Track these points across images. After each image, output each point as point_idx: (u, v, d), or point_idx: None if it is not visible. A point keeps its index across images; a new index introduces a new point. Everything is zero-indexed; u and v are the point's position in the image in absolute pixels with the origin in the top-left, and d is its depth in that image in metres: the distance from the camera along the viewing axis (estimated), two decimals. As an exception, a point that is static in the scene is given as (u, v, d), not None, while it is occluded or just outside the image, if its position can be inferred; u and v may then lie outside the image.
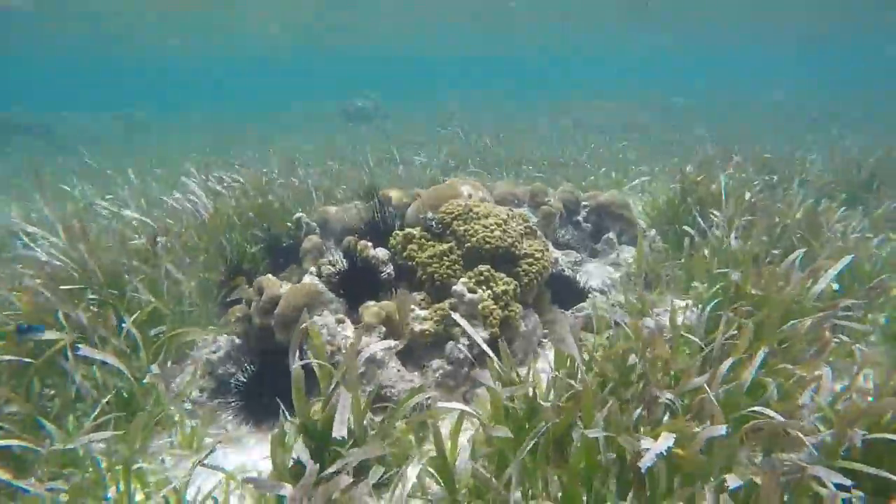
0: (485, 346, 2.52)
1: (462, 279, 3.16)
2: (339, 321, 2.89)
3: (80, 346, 2.46)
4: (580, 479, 1.98)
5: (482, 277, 3.25)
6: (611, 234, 4.99)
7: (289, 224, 4.50)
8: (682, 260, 4.48)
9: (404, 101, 21.53)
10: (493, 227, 3.45)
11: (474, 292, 3.13)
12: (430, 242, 3.47)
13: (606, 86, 21.23)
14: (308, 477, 1.83)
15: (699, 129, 12.83)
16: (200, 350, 3.17)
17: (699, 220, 4.77)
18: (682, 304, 3.74)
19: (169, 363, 3.13)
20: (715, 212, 4.86)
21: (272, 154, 9.35)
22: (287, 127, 17.22)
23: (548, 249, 3.66)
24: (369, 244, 3.36)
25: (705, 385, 2.20)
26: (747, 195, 5.17)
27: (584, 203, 5.22)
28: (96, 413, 2.52)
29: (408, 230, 3.53)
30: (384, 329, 2.92)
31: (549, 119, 15.88)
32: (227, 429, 2.87)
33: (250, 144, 14.28)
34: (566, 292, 4.01)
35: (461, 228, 3.44)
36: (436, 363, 3.00)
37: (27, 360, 2.66)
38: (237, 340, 3.27)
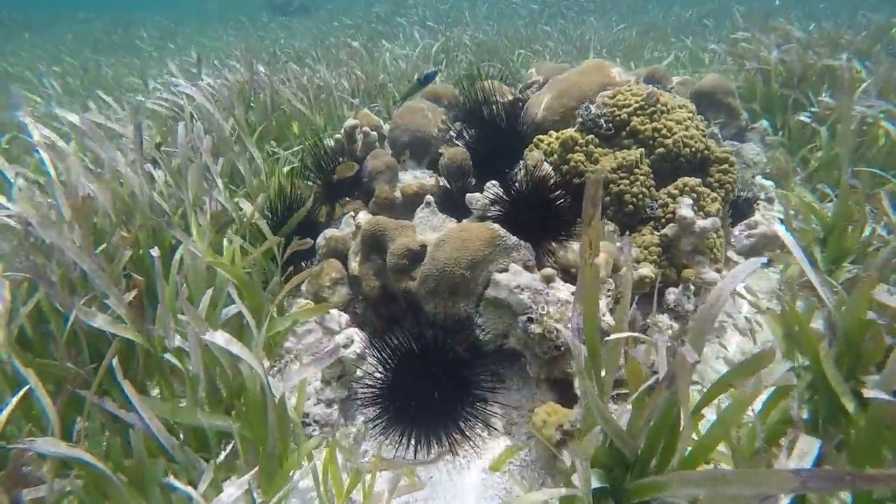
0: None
1: (686, 201, 2.20)
2: (548, 279, 1.88)
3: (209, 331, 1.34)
4: None
5: (694, 195, 2.32)
6: (714, 129, 4.14)
7: (338, 136, 3.24)
8: (819, 152, 3.77)
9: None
10: (686, 124, 2.47)
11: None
12: (599, 149, 2.44)
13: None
14: None
15: (680, 8, 11.82)
16: (303, 340, 2.07)
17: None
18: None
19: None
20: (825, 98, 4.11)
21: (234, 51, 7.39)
22: (206, 24, 14.43)
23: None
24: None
25: None
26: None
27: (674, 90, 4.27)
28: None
29: (566, 132, 2.47)
30: (612, 283, 1.96)
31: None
32: (383, 458, 1.89)
33: (170, 43, 11.78)
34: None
35: (647, 127, 2.42)
36: (663, 321, 2.11)
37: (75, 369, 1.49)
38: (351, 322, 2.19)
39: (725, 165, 2.58)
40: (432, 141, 3.42)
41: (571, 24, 10.61)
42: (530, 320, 1.82)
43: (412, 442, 1.91)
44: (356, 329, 1.98)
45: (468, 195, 2.25)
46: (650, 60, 7.52)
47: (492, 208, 2.20)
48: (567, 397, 1.93)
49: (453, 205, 2.74)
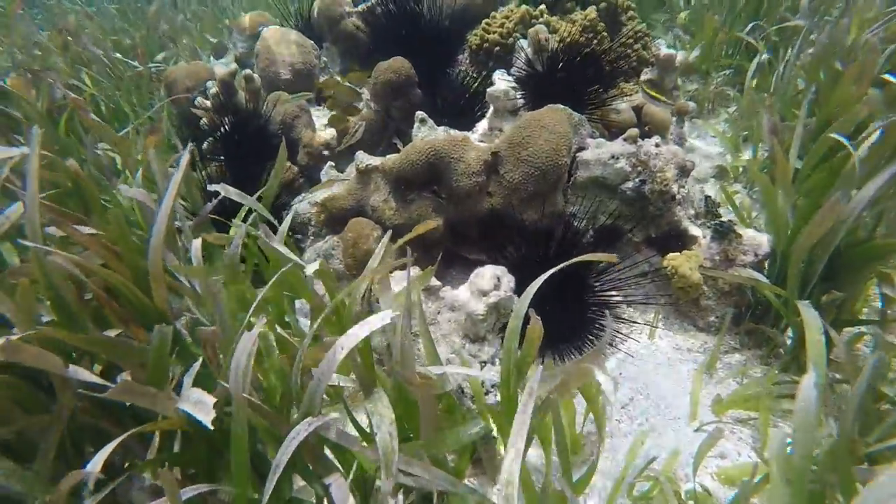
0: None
1: (660, 42, 2.33)
2: (634, 139, 1.83)
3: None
4: None
5: (644, 39, 2.47)
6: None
7: (214, 91, 2.43)
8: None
9: None
10: (607, -26, 2.55)
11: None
12: (553, 17, 2.38)
13: None
14: None
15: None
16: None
17: None
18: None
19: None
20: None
21: None
22: None
23: None
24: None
25: None
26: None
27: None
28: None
29: (518, 9, 2.32)
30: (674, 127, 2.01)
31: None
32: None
33: None
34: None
35: (585, -16, 2.43)
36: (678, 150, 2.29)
37: None
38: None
39: (631, 12, 2.79)
40: (316, 72, 2.88)
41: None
42: (643, 182, 1.78)
43: (574, 350, 1.78)
44: (493, 266, 1.65)
45: (489, 90, 1.98)
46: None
47: (517, 95, 2.00)
48: (668, 248, 1.98)
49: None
